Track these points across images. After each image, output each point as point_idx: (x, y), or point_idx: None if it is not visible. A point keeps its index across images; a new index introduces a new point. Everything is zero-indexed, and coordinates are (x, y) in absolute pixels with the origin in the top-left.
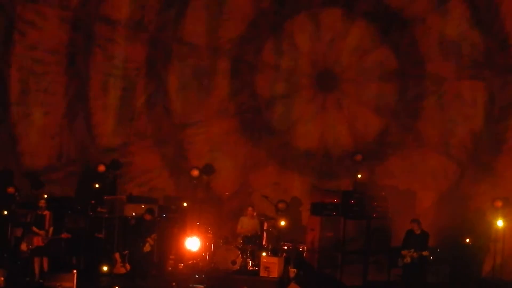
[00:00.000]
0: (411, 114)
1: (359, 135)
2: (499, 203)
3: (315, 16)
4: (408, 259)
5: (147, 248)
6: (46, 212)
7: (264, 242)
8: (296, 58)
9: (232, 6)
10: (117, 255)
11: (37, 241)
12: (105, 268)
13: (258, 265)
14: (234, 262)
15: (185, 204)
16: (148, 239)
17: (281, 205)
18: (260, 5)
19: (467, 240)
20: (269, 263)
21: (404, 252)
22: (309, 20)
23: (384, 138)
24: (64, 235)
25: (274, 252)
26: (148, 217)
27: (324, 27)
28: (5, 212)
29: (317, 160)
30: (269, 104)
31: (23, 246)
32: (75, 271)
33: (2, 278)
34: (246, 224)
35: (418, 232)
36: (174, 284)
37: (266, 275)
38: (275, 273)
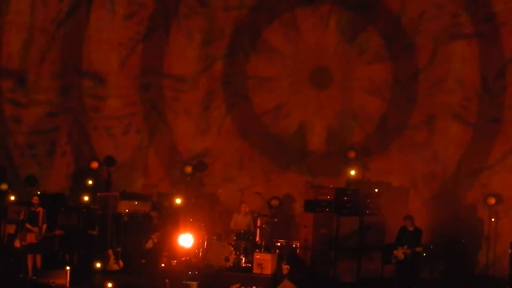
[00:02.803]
0: (407, 90)
1: (353, 130)
2: (492, 200)
3: (290, 19)
4: (401, 256)
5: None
6: (40, 209)
7: (257, 239)
8: (283, 64)
9: (206, 29)
10: (110, 252)
11: (31, 238)
12: (98, 265)
13: (251, 261)
14: (227, 259)
15: (178, 201)
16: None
17: (274, 202)
18: (234, 21)
19: (460, 237)
20: (262, 260)
21: (396, 252)
22: (285, 25)
23: (381, 134)
24: (58, 232)
25: (267, 248)
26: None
27: (302, 28)
28: None
29: (310, 156)
30: (266, 111)
31: (17, 243)
32: (68, 267)
33: None
34: (239, 221)
35: (411, 228)
36: (167, 281)
37: (259, 272)
38: (268, 270)
